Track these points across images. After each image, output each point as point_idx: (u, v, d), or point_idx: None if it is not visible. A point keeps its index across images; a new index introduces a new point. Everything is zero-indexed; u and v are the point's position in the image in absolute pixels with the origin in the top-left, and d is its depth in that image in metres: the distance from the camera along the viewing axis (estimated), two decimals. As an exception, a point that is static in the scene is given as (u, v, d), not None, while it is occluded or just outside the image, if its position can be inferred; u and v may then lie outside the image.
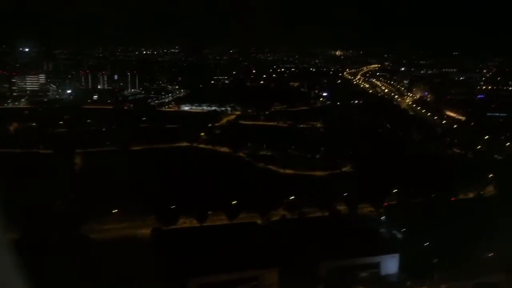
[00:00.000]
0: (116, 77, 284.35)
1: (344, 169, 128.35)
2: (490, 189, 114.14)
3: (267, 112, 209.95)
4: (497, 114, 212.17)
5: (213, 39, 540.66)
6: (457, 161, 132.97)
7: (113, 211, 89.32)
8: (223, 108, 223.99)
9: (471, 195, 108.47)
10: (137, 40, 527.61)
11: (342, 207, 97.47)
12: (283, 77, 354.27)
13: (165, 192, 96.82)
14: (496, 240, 78.82)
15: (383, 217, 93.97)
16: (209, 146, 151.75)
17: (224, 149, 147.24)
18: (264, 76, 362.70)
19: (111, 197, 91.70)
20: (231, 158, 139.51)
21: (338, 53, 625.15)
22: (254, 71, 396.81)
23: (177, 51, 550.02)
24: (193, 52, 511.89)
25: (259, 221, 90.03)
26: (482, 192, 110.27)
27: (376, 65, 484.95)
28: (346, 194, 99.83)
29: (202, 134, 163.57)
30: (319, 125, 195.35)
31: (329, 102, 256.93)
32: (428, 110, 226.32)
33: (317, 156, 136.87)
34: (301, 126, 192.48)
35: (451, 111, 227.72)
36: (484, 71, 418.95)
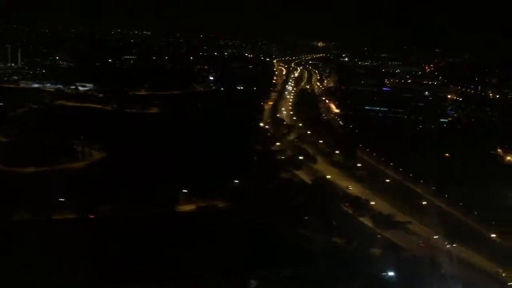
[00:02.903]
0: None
1: (66, 165, 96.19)
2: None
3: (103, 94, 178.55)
4: (378, 108, 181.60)
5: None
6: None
7: None
8: (67, 87, 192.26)
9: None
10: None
11: None
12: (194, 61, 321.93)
13: None
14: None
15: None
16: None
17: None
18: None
19: None
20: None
21: (320, 44, 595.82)
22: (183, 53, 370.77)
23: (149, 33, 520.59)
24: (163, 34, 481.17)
25: None
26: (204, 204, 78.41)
27: (321, 54, 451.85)
28: None
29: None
30: (154, 110, 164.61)
31: (214, 88, 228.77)
32: (306, 100, 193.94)
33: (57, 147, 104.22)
34: (131, 111, 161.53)
35: (333, 103, 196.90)
36: (431, 65, 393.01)
